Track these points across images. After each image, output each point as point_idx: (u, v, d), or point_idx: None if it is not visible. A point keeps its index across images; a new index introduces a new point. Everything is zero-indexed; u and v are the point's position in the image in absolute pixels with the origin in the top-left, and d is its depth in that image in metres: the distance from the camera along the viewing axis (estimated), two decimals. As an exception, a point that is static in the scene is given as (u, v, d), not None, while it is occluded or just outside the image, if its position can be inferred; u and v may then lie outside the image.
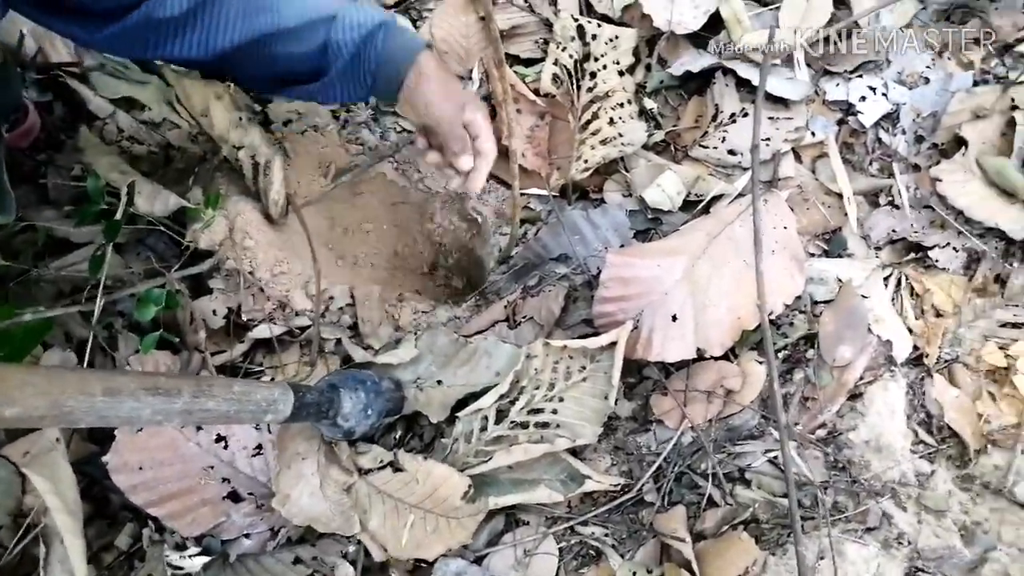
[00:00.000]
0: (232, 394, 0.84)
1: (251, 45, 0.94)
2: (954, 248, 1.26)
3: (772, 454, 1.14)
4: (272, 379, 1.25)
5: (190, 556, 1.10)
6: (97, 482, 1.19)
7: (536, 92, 1.36)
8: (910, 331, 1.22)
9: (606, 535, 1.14)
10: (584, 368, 1.15)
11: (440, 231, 1.46)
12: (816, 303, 1.25)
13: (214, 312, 1.25)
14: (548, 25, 1.45)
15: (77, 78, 1.40)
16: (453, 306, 1.34)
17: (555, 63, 1.36)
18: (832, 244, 1.31)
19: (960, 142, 1.30)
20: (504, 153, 1.37)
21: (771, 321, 1.22)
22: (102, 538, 1.17)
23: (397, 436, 1.22)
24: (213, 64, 0.97)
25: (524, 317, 1.27)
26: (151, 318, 1.13)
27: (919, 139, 1.36)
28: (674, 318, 1.16)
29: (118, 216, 1.13)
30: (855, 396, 1.18)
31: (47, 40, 1.42)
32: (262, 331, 1.25)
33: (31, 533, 1.12)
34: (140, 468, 1.11)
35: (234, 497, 1.14)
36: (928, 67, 1.40)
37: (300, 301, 1.27)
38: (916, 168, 1.34)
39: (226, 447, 1.16)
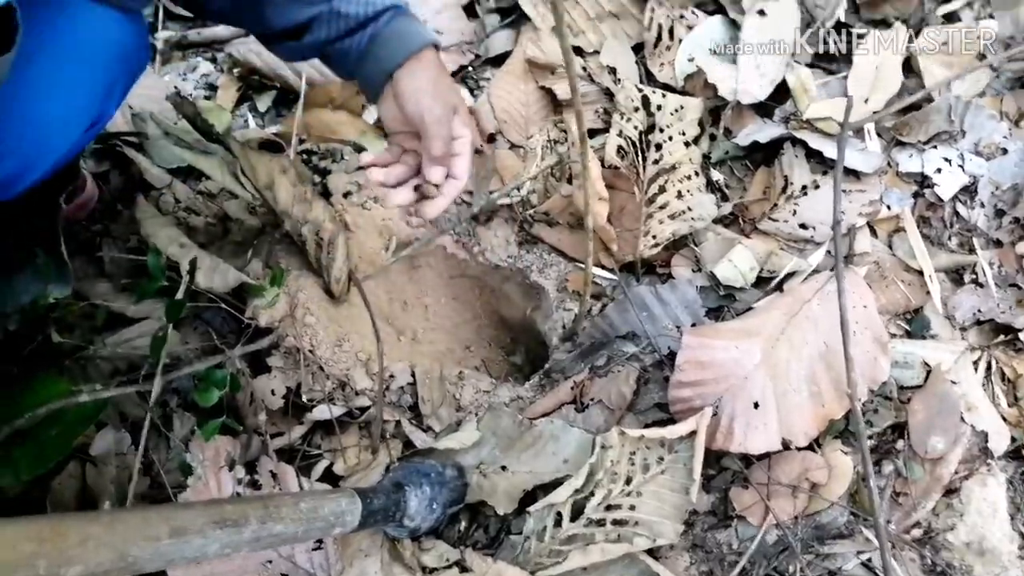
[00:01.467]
0: (300, 513, 0.75)
1: None
2: (1046, 330, 1.15)
3: (865, 556, 1.02)
4: (331, 464, 1.15)
5: (246, 659, 0.99)
6: None
7: (601, 163, 1.27)
8: (1004, 420, 1.10)
9: (686, 640, 1.02)
10: (662, 459, 1.03)
11: (499, 305, 1.36)
12: (902, 388, 1.13)
13: (273, 392, 1.15)
14: (608, 94, 1.36)
15: (135, 147, 1.33)
16: (516, 385, 1.24)
17: (619, 134, 1.27)
18: (914, 325, 1.20)
19: (1046, 218, 1.20)
20: (576, 226, 1.29)
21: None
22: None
23: (461, 528, 1.11)
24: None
25: (592, 399, 1.16)
26: (213, 403, 1.03)
27: (999, 213, 1.25)
28: (756, 405, 1.05)
29: (179, 295, 1.05)
30: (951, 491, 1.06)
31: (106, 110, 1.34)
32: (322, 412, 1.15)
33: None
34: (198, 563, 1.00)
35: (293, 594, 1.03)
36: (1005, 137, 1.29)
37: (361, 380, 1.17)
38: (998, 244, 1.23)
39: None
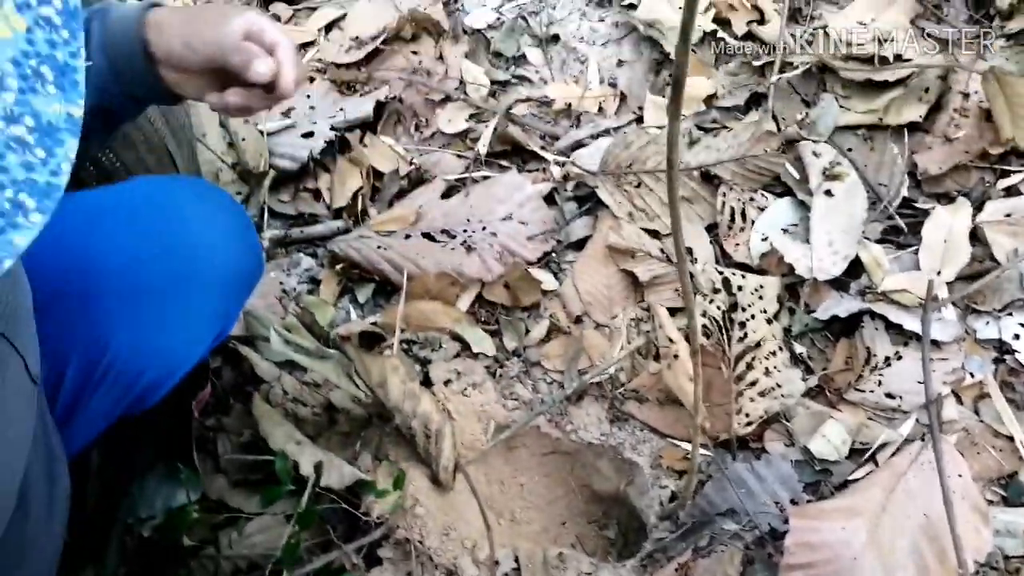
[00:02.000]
0: None
1: None
2: None
3: None
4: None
5: None
6: None
7: (686, 340, 1.37)
8: (1117, 591, 1.12)
9: None
10: (781, 648, 1.07)
11: (592, 480, 1.43)
12: (1008, 558, 1.17)
13: (385, 583, 1.22)
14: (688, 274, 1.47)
15: (247, 344, 1.46)
16: (617, 567, 1.29)
17: (703, 314, 1.38)
18: (1011, 491, 1.24)
19: None
20: (665, 402, 1.37)
21: (965, 583, 1.14)
22: None
23: None
24: None
25: (698, 580, 1.21)
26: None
27: (1082, 377, 1.31)
28: (867, 587, 1.09)
29: (305, 501, 1.14)
30: (1074, 672, 1.07)
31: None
32: (433, 602, 1.21)
33: None
34: None
35: None
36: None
37: (468, 568, 1.24)
38: (1086, 406, 1.29)
39: None
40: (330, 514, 1.29)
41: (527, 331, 1.48)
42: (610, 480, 1.42)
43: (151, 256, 0.93)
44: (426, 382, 1.40)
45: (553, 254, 1.55)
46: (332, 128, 1.70)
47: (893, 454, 1.27)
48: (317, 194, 1.69)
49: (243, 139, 1.68)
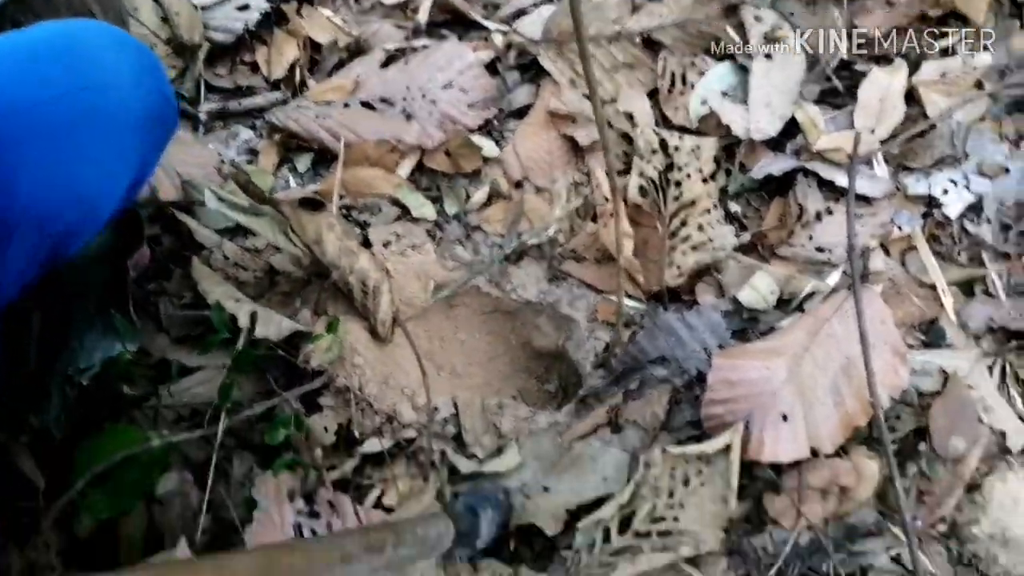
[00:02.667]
0: (417, 537, 0.90)
1: None
2: (1056, 335, 1.28)
3: (894, 551, 1.14)
4: (383, 493, 1.29)
5: None
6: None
7: (624, 202, 1.42)
8: (1021, 419, 1.22)
9: (732, 643, 1.13)
10: (700, 472, 1.16)
11: (533, 337, 1.50)
12: (922, 395, 1.26)
13: (325, 429, 1.30)
14: (626, 138, 1.53)
15: (184, 211, 1.50)
16: (553, 412, 1.37)
17: (640, 175, 1.43)
18: (931, 335, 1.33)
19: (1049, 229, 1.34)
20: (602, 260, 1.44)
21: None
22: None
23: (511, 548, 1.23)
24: None
25: (627, 421, 1.30)
26: (280, 441, 1.18)
27: (1005, 227, 1.39)
28: (784, 418, 1.18)
29: (240, 346, 1.20)
30: (973, 488, 1.18)
31: (157, 180, 1.53)
32: (372, 445, 1.29)
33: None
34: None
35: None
36: (1006, 157, 1.44)
37: (407, 414, 1.31)
38: (1006, 256, 1.37)
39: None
40: (270, 365, 1.36)
41: (468, 197, 1.53)
42: (549, 336, 1.50)
43: (57, 95, 0.94)
44: (365, 244, 1.46)
45: (495, 122, 1.59)
46: (268, 0, 1.72)
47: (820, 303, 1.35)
48: (255, 67, 1.71)
49: (177, 13, 1.68)
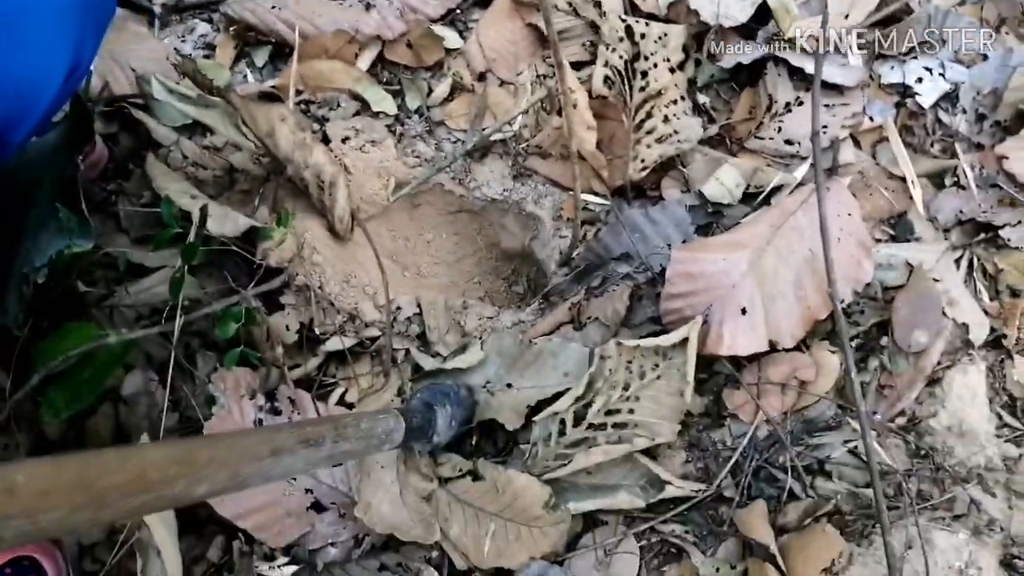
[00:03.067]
0: (361, 432, 0.87)
1: None
2: (1026, 226, 1.24)
3: (851, 444, 1.13)
4: (346, 391, 1.28)
5: (279, 566, 1.12)
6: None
7: (588, 94, 1.36)
8: (986, 313, 1.20)
9: (687, 532, 1.13)
10: (657, 366, 1.14)
11: (499, 237, 1.47)
12: (887, 289, 1.23)
13: (287, 327, 1.27)
14: (594, 27, 1.45)
15: (141, 109, 1.44)
16: (517, 310, 1.35)
17: (605, 64, 1.37)
18: (899, 229, 1.29)
19: (1024, 118, 1.28)
20: (568, 156, 1.38)
21: (842, 310, 1.21)
22: (192, 551, 1.19)
23: (473, 443, 1.23)
24: None
25: (589, 318, 1.27)
26: (231, 335, 1.16)
27: (981, 117, 1.33)
28: (743, 311, 1.15)
29: (191, 239, 1.16)
30: (933, 382, 1.16)
31: (111, 75, 1.46)
32: (334, 344, 1.27)
33: (126, 547, 1.15)
34: (286, 479, 1.13)
35: (317, 507, 1.16)
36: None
37: (369, 313, 1.29)
38: (980, 147, 1.32)
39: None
40: (231, 265, 1.33)
41: (430, 90, 1.46)
42: (516, 236, 1.46)
43: None
44: (325, 141, 1.40)
45: (458, 11, 1.50)
46: None
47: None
48: (211, -41, 1.62)
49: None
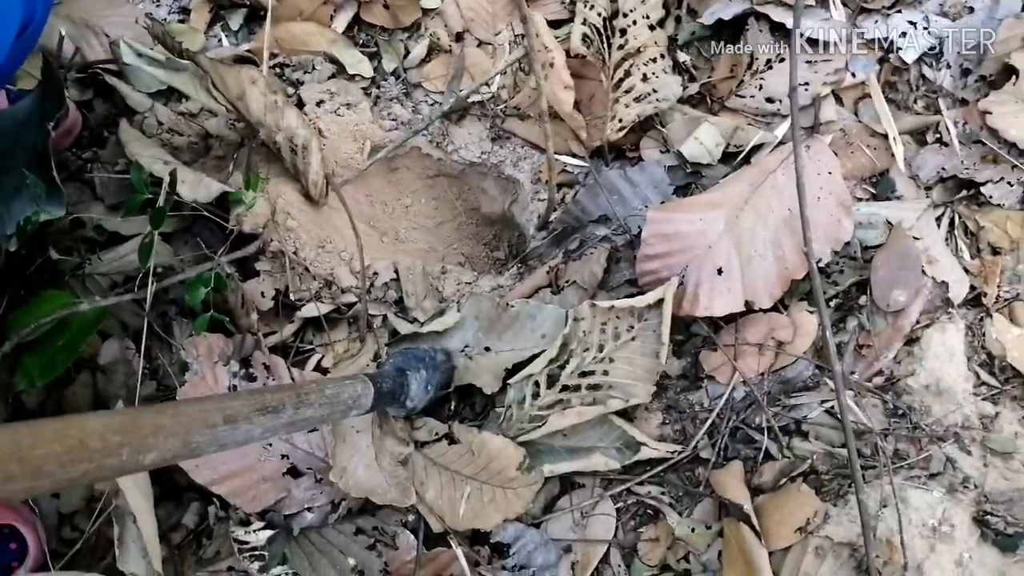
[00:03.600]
0: (325, 398, 0.85)
1: None
2: (1008, 182, 1.21)
3: (828, 404, 1.11)
4: (323, 357, 1.26)
5: (255, 531, 1.11)
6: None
7: (566, 53, 1.33)
8: (966, 271, 1.17)
9: (663, 493, 1.12)
10: (632, 328, 1.12)
11: (479, 202, 1.44)
12: (867, 248, 1.20)
13: (263, 294, 1.25)
14: (574, -16, 1.41)
15: (115, 75, 1.41)
16: (496, 275, 1.33)
17: (584, 22, 1.33)
18: (880, 187, 1.26)
19: (1010, 71, 1.24)
20: (551, 117, 1.35)
21: (820, 269, 1.19)
22: (170, 518, 1.19)
23: (451, 408, 1.21)
24: None
25: (567, 282, 1.25)
26: (202, 300, 1.14)
27: (965, 72, 1.29)
28: (720, 271, 1.13)
29: (160, 203, 1.14)
30: (912, 341, 1.13)
31: (84, 41, 1.43)
32: (310, 310, 1.25)
33: (104, 515, 1.14)
34: (243, 446, 1.12)
35: (293, 473, 1.15)
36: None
37: (345, 278, 1.27)
38: (964, 103, 1.28)
39: (282, 425, 1.16)
40: (205, 232, 1.31)
41: (407, 52, 1.43)
42: (496, 200, 1.44)
43: None
44: (299, 104, 1.37)
45: (435, -30, 1.47)
46: None
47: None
48: (184, -82, 1.58)
49: None
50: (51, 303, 1.18)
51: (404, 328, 1.24)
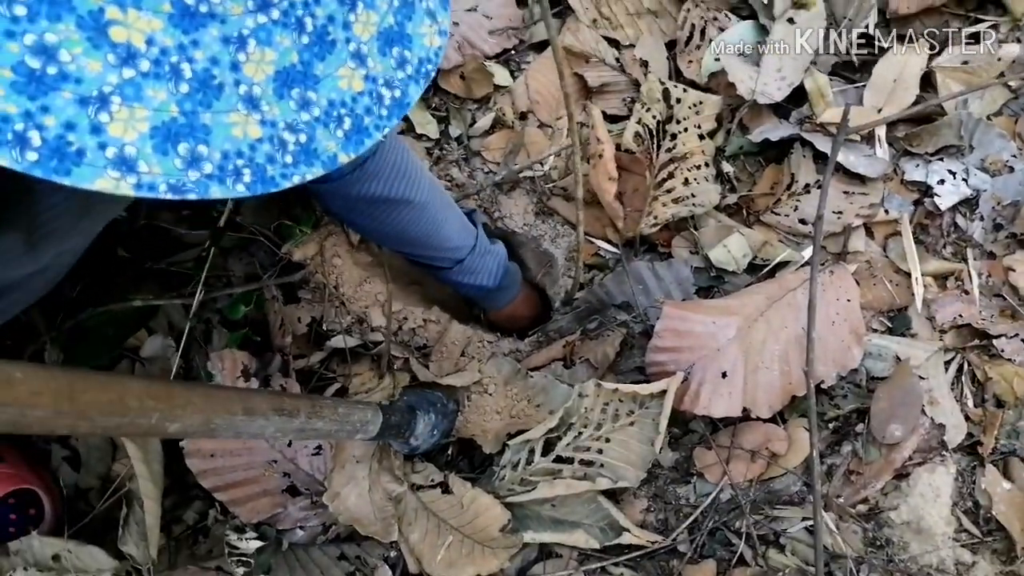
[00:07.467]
0: (337, 415, 0.89)
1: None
2: (1022, 339, 1.20)
3: (809, 522, 1.10)
4: (343, 387, 1.30)
5: (247, 539, 1.14)
6: (179, 459, 1.25)
7: (618, 147, 1.37)
8: (967, 418, 1.16)
9: (635, 578, 1.12)
10: (632, 412, 1.14)
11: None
12: (872, 378, 1.20)
13: (299, 320, 1.30)
14: (637, 85, 1.46)
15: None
16: (516, 340, 1.35)
17: (638, 122, 1.38)
18: (896, 322, 1.26)
19: (1039, 234, 1.25)
20: (590, 202, 1.39)
21: (824, 391, 1.19)
22: (174, 511, 1.22)
23: (450, 456, 1.24)
24: None
25: (580, 358, 1.27)
26: (240, 316, 1.19)
27: (998, 227, 1.30)
28: (724, 375, 1.14)
29: (220, 224, 1.21)
30: (901, 476, 1.13)
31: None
32: (339, 341, 1.30)
33: (115, 496, 1.19)
34: (212, 455, 1.16)
35: (292, 491, 1.18)
36: (1014, 156, 1.34)
37: (377, 318, 1.31)
38: (991, 256, 1.28)
39: (290, 444, 1.20)
40: (259, 252, 1.37)
41: (473, 121, 1.49)
42: (530, 270, 1.47)
43: None
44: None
45: (513, 52, 1.54)
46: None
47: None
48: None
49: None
50: (107, 295, 1.25)
51: (424, 375, 1.27)
